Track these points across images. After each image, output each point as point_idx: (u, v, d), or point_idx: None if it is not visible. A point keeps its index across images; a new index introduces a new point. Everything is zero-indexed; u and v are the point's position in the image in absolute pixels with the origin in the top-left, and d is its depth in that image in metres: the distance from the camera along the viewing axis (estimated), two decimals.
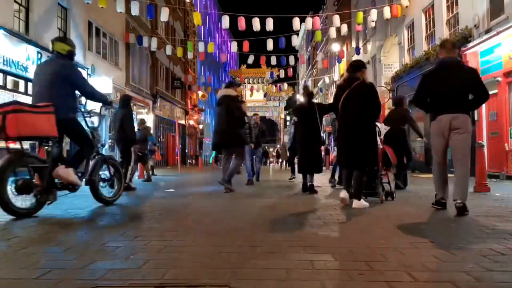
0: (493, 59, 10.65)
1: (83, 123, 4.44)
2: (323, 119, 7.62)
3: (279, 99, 42.19)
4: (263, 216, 3.93)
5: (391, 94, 18.65)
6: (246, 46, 18.09)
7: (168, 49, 20.79)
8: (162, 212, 4.19)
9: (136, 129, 8.54)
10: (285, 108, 42.99)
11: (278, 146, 55.47)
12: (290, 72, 23.38)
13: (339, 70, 31.75)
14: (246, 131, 9.03)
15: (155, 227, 3.27)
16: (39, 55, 11.92)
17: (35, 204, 3.79)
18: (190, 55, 23.02)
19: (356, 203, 4.43)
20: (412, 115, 7.97)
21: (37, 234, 2.95)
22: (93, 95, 4.43)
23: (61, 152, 4.25)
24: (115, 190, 5.05)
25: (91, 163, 4.59)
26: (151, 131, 21.06)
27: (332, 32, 18.15)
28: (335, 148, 8.70)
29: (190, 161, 32.60)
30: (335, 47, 26.40)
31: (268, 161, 28.94)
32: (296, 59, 24.02)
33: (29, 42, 11.54)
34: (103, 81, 15.76)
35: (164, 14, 15.94)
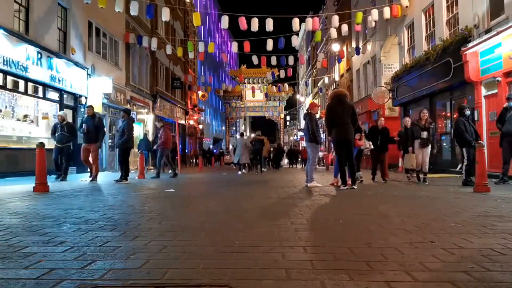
0: (493, 59, 10.65)
1: None
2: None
3: (279, 99, 42.28)
4: (263, 216, 3.93)
5: (391, 94, 18.65)
6: (246, 46, 18.09)
7: (168, 49, 20.77)
8: (162, 212, 4.19)
9: None
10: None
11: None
12: (290, 72, 23.41)
13: (339, 70, 31.75)
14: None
15: (155, 227, 3.27)
16: (39, 55, 11.92)
17: None
18: (190, 55, 23.02)
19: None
20: None
21: (37, 234, 2.95)
22: None
23: None
24: None
25: None
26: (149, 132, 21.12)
27: (332, 32, 18.16)
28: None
29: (191, 161, 32.61)
30: (335, 47, 26.39)
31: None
32: (296, 59, 24.02)
33: (29, 42, 11.52)
34: (103, 81, 15.75)
35: (165, 14, 15.93)
